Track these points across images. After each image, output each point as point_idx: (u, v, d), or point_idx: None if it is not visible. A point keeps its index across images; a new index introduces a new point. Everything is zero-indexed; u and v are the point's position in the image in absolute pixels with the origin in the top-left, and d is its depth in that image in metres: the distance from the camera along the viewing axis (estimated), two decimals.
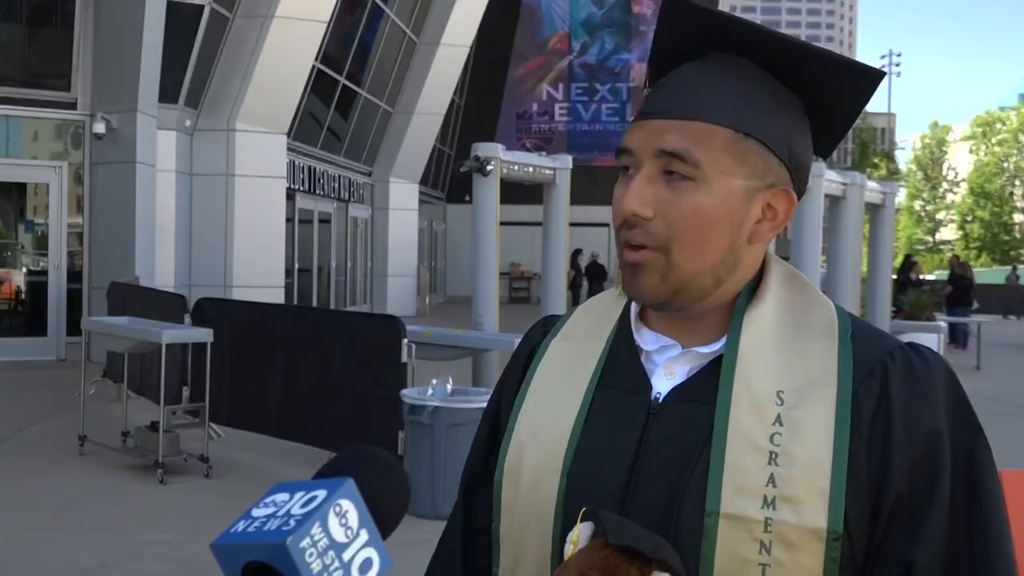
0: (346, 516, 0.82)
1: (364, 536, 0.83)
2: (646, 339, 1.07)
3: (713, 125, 0.99)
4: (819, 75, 1.03)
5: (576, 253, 22.02)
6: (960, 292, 18.04)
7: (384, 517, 0.87)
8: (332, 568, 0.80)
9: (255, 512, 0.84)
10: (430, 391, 5.91)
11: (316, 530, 0.80)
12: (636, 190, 0.99)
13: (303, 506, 0.82)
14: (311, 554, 0.79)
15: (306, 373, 7.11)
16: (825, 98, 1.05)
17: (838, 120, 1.08)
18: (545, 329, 1.18)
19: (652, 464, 0.99)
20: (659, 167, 1.00)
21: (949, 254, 26.14)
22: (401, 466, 0.95)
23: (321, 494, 0.83)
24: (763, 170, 1.01)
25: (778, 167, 1.03)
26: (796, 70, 1.03)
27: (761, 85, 1.02)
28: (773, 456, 0.94)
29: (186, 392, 7.63)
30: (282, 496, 0.85)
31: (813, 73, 1.03)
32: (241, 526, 0.83)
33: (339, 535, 0.81)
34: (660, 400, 1.02)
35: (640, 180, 1.00)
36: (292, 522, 0.80)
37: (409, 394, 5.95)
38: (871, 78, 1.03)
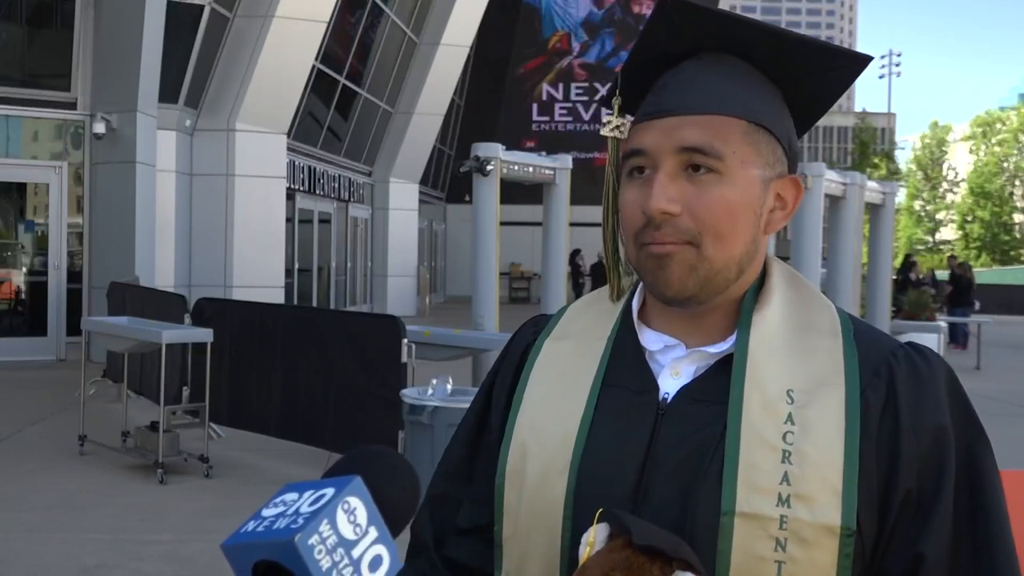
0: (355, 513, 0.82)
1: (373, 533, 0.83)
2: (649, 339, 1.07)
3: (730, 117, 1.01)
4: (808, 66, 1.05)
5: (575, 253, 22.03)
6: (960, 292, 18.05)
7: (393, 515, 0.87)
8: (342, 565, 0.80)
9: (265, 512, 0.84)
10: (430, 391, 5.90)
11: (325, 527, 0.80)
12: (662, 188, 0.99)
13: (312, 504, 0.82)
14: (320, 551, 0.79)
15: (306, 373, 7.11)
16: (806, 87, 1.07)
17: (812, 109, 1.10)
18: (536, 328, 1.17)
19: (664, 464, 0.99)
20: (680, 163, 1.00)
21: (949, 254, 26.12)
22: (409, 464, 0.95)
23: (329, 492, 0.83)
24: (773, 159, 1.04)
25: (782, 157, 1.05)
26: (785, 63, 1.04)
27: (757, 79, 1.05)
28: (786, 454, 0.95)
29: (186, 392, 7.63)
30: (291, 496, 0.85)
31: (801, 65, 1.04)
32: (251, 526, 0.83)
33: (348, 532, 0.81)
34: (668, 400, 1.03)
35: (663, 178, 1.00)
36: (301, 520, 0.80)
37: (409, 394, 5.94)
38: (859, 63, 1.05)
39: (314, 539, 0.79)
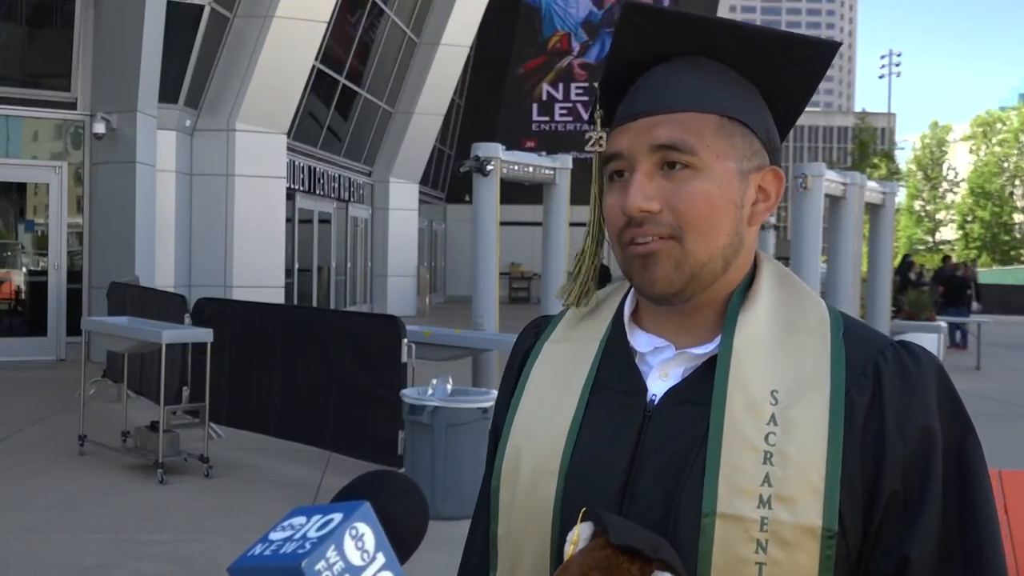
0: (362, 539, 0.82)
1: (381, 559, 0.82)
2: (639, 341, 1.08)
3: (701, 113, 1.02)
4: (779, 59, 1.06)
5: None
6: (953, 292, 17.99)
7: (402, 540, 0.86)
8: None
9: (272, 535, 0.84)
10: (430, 391, 5.90)
11: (331, 553, 0.79)
12: (639, 187, 1.01)
13: (319, 529, 0.81)
14: None
15: (306, 373, 7.11)
16: (779, 80, 1.08)
17: (791, 103, 1.11)
18: (537, 331, 1.18)
19: (649, 466, 1.00)
20: (655, 162, 1.01)
21: (944, 254, 26.14)
22: (419, 489, 0.94)
23: (337, 517, 0.82)
24: (750, 152, 1.04)
25: (760, 149, 1.06)
26: (756, 58, 1.05)
27: (728, 76, 1.06)
28: (768, 456, 0.95)
29: (186, 392, 7.63)
30: (299, 519, 0.85)
31: (772, 58, 1.06)
32: (258, 549, 0.83)
33: (355, 558, 0.80)
34: (655, 402, 1.03)
35: (640, 178, 1.01)
36: (308, 545, 0.79)
37: (409, 394, 5.95)
38: (828, 50, 1.06)
39: (320, 565, 0.78)
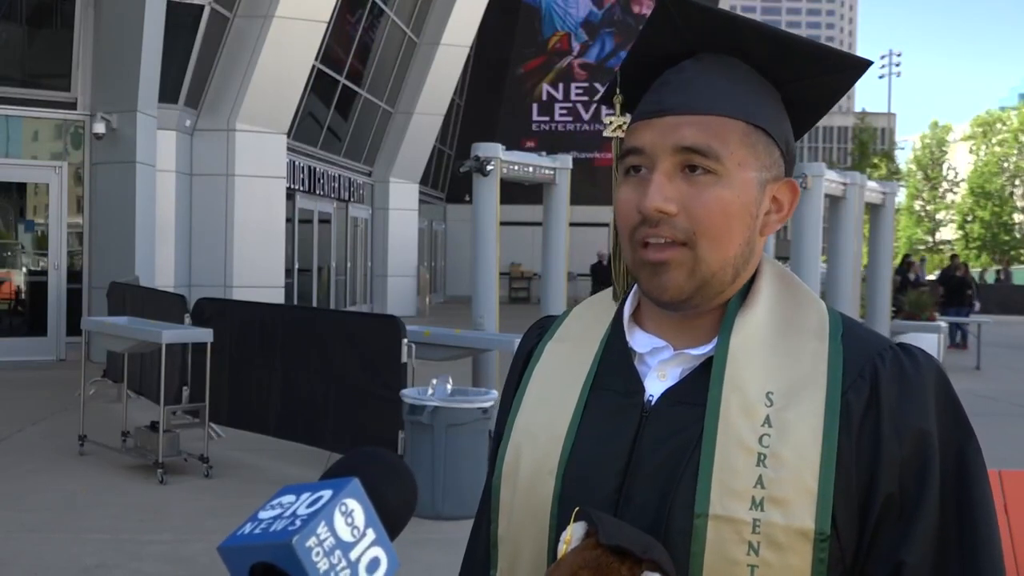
0: (352, 515, 0.82)
1: (371, 535, 0.83)
2: (639, 341, 1.07)
3: (729, 118, 1.01)
4: (808, 69, 1.05)
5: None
6: (953, 292, 17.97)
7: (391, 517, 0.86)
8: (339, 567, 0.80)
9: (261, 514, 0.84)
10: (430, 391, 5.90)
11: (322, 529, 0.79)
12: (658, 187, 0.99)
13: (309, 506, 0.82)
14: (317, 553, 0.79)
15: (306, 373, 7.11)
16: (805, 90, 1.07)
17: (811, 111, 1.10)
18: (541, 331, 1.18)
19: (645, 466, 1.00)
20: (677, 163, 1.00)
21: (950, 253, 26.13)
22: (407, 466, 0.94)
23: (327, 494, 0.83)
24: (770, 162, 1.03)
25: (779, 159, 1.05)
26: (785, 66, 1.04)
27: (756, 80, 1.04)
28: (762, 458, 0.95)
29: (186, 392, 7.63)
30: (288, 498, 0.85)
31: (801, 68, 1.05)
32: (248, 528, 0.83)
33: (345, 534, 0.81)
34: (652, 402, 1.03)
35: (659, 178, 1.00)
36: (298, 522, 0.80)
37: (409, 394, 5.95)
38: (858, 67, 1.05)
39: (311, 541, 0.78)
